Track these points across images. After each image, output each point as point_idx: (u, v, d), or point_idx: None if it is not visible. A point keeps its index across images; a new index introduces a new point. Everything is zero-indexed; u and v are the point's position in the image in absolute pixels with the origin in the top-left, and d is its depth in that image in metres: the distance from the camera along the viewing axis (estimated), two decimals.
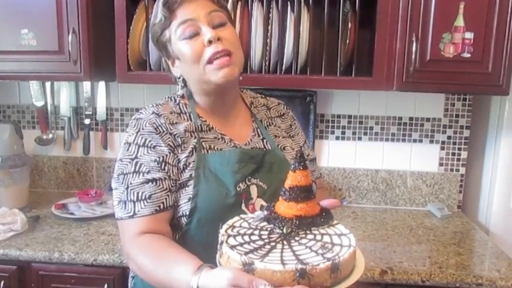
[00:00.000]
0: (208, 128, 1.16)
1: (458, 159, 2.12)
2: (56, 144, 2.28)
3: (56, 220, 1.87)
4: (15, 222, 1.72)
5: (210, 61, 1.07)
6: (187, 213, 1.07)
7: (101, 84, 2.19)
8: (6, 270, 1.61)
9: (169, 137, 1.10)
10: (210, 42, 1.06)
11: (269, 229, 0.93)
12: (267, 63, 1.77)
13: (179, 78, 1.18)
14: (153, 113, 1.13)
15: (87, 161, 2.27)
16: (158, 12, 1.10)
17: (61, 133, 2.26)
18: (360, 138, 2.15)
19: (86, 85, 2.20)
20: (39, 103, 2.22)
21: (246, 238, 0.88)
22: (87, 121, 2.22)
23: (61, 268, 1.59)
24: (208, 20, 1.08)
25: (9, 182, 1.94)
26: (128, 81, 1.83)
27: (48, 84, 2.22)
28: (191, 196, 1.07)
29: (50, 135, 2.26)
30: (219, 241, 0.89)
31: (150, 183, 1.05)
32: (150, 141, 1.09)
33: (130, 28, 1.76)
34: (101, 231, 1.76)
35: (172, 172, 1.08)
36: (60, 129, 2.26)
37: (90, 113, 2.22)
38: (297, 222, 0.91)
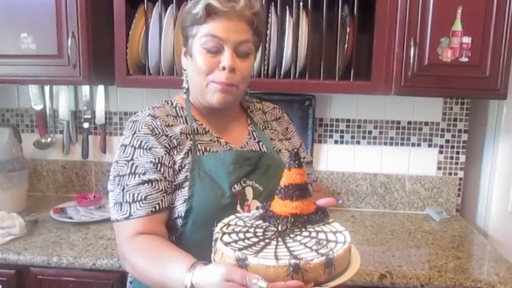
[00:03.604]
0: (204, 131, 1.17)
1: (457, 163, 2.13)
2: (54, 148, 2.28)
3: (54, 224, 1.87)
4: (13, 226, 1.71)
5: (214, 81, 1.09)
6: (183, 214, 1.08)
7: (100, 88, 2.19)
8: (5, 275, 1.60)
9: (165, 139, 1.11)
10: (223, 68, 1.08)
11: (264, 227, 0.94)
12: (265, 67, 1.77)
13: (185, 70, 1.19)
14: (149, 115, 1.14)
15: (86, 165, 2.26)
16: (199, 7, 1.08)
17: (60, 137, 2.25)
18: (358, 142, 2.15)
19: (85, 89, 2.20)
20: (38, 107, 2.22)
21: (241, 235, 0.89)
22: (85, 125, 2.22)
23: (60, 272, 1.59)
24: (235, 47, 1.09)
25: (7, 185, 1.94)
26: (127, 85, 1.83)
27: (47, 88, 2.22)
28: (186, 198, 1.08)
29: (49, 139, 2.26)
30: (214, 238, 0.89)
31: (146, 184, 1.06)
32: (146, 143, 1.09)
33: (130, 32, 1.76)
34: (100, 236, 1.76)
35: (168, 173, 1.09)
36: (59, 133, 2.26)
37: (89, 116, 2.22)
38: (292, 220, 0.91)
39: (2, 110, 2.29)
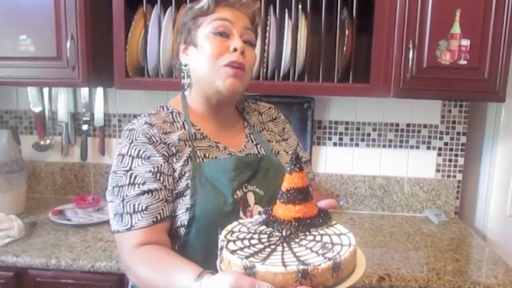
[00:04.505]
0: (202, 136, 1.16)
1: (455, 165, 2.13)
2: (53, 150, 2.27)
3: (53, 226, 1.86)
4: (12, 228, 1.71)
5: (225, 65, 1.09)
6: (186, 223, 1.06)
7: (99, 90, 2.19)
8: (3, 277, 1.60)
9: (163, 147, 1.09)
10: (235, 50, 1.09)
11: (268, 232, 0.93)
12: (264, 70, 1.77)
13: (185, 66, 1.17)
14: (145, 123, 1.12)
15: (85, 167, 2.26)
16: (204, 1, 1.11)
17: (58, 139, 2.25)
18: (357, 145, 2.15)
19: (84, 91, 2.20)
20: (37, 109, 2.22)
21: (246, 242, 0.88)
22: (84, 127, 2.22)
23: (58, 275, 1.58)
24: (242, 33, 1.12)
25: (6, 187, 1.94)
26: (126, 87, 1.83)
27: (46, 90, 2.22)
28: (189, 206, 1.06)
29: (48, 141, 2.26)
30: (219, 247, 0.88)
31: (146, 194, 1.04)
32: (144, 152, 1.07)
33: (129, 34, 1.76)
34: (98, 238, 1.76)
35: (168, 182, 1.07)
36: (57, 134, 2.26)
37: (88, 118, 2.22)
38: (296, 224, 0.91)
39: (1, 111, 2.29)
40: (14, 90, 2.26)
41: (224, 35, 1.10)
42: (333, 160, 2.17)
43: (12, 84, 2.06)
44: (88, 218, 1.92)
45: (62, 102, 2.22)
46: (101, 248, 1.66)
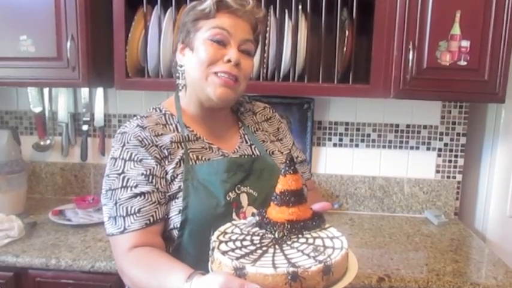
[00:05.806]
0: (195, 138, 1.16)
1: (455, 166, 2.13)
2: (53, 150, 2.28)
3: (53, 226, 1.86)
4: (12, 228, 1.71)
5: (216, 74, 1.09)
6: (179, 225, 1.07)
7: (99, 91, 2.19)
8: (3, 277, 1.60)
9: (155, 149, 1.09)
10: (229, 61, 1.08)
11: (261, 234, 0.93)
12: (264, 70, 1.77)
13: (181, 67, 1.17)
14: (137, 126, 1.12)
15: (85, 167, 2.26)
16: (207, 3, 1.10)
17: (59, 139, 2.25)
18: (357, 145, 2.16)
19: (84, 91, 2.20)
20: (37, 109, 2.23)
21: (238, 244, 0.88)
22: (84, 127, 2.22)
23: (58, 275, 1.59)
24: (240, 44, 1.11)
25: (6, 188, 1.94)
26: (126, 87, 1.83)
27: (46, 90, 2.22)
28: (181, 208, 1.07)
29: (48, 141, 2.26)
30: (211, 247, 0.89)
31: (139, 197, 1.05)
32: (136, 154, 1.08)
33: (129, 35, 1.76)
34: (98, 238, 1.76)
35: (161, 184, 1.08)
36: (57, 135, 2.26)
37: (88, 119, 2.22)
38: (289, 226, 0.91)
39: (1, 112, 2.29)
40: (14, 91, 2.27)
41: (221, 43, 1.10)
42: (332, 161, 2.17)
43: (12, 85, 2.06)
44: (88, 218, 1.92)
45: (62, 103, 2.22)
46: (100, 248, 1.66)
